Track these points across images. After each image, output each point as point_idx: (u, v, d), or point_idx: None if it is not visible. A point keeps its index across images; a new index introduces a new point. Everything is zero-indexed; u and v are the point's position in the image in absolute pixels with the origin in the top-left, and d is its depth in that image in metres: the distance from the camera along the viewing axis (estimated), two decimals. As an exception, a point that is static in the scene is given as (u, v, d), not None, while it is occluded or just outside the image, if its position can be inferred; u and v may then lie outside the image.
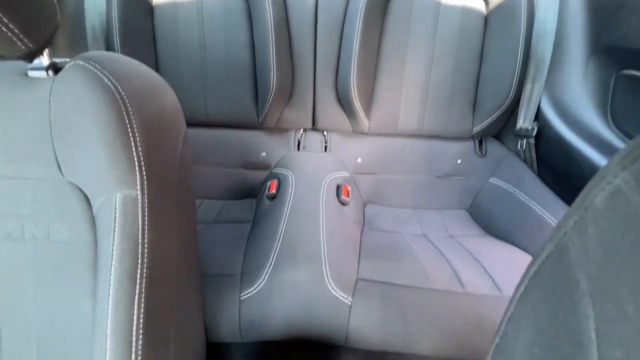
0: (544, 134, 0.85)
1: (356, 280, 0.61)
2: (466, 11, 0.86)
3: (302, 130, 0.99)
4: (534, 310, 0.18)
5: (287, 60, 0.89)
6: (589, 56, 0.77)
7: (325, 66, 0.90)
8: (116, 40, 0.81)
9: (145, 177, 0.36)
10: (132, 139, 0.36)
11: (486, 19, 0.87)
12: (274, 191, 0.82)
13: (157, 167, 0.38)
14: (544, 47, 0.83)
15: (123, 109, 0.36)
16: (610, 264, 0.13)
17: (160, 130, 0.40)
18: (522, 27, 0.82)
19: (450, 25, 0.87)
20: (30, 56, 0.36)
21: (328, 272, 0.58)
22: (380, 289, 0.59)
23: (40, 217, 0.40)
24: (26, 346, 0.41)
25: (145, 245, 0.36)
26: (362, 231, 0.83)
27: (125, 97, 0.36)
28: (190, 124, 0.91)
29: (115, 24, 0.81)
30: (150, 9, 0.87)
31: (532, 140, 0.87)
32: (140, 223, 0.36)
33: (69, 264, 0.39)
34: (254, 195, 0.95)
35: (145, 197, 0.36)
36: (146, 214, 0.36)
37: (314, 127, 0.99)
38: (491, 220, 0.89)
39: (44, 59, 0.38)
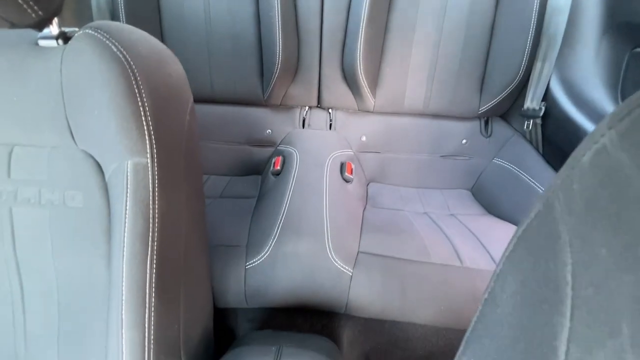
0: (551, 115, 0.84)
1: (357, 253, 0.63)
2: None
3: (307, 107, 0.99)
4: (520, 264, 0.19)
5: (293, 36, 0.87)
6: (603, 33, 0.75)
7: (331, 42, 0.89)
8: (121, 12, 0.81)
9: (154, 145, 0.38)
10: (141, 107, 0.37)
11: (499, -6, 0.85)
12: (278, 167, 0.83)
13: (166, 136, 0.39)
14: (557, 23, 0.80)
15: (132, 77, 0.36)
16: (589, 216, 0.14)
17: (168, 99, 0.41)
18: (536, 1, 0.79)
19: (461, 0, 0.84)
20: (40, 24, 0.37)
21: (330, 244, 0.60)
22: (381, 262, 0.61)
23: (56, 183, 0.41)
24: (48, 306, 0.44)
25: (156, 210, 0.37)
26: (365, 208, 0.85)
27: (133, 66, 0.37)
28: (196, 100, 0.91)
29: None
30: (155, -18, 0.86)
31: (538, 121, 0.87)
32: (150, 189, 0.37)
33: (84, 229, 0.42)
34: (259, 172, 0.97)
35: (155, 164, 0.38)
36: (156, 180, 0.38)
37: (319, 104, 0.98)
38: (493, 201, 0.90)
39: (53, 28, 0.39)
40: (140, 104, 0.37)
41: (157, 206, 0.38)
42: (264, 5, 0.83)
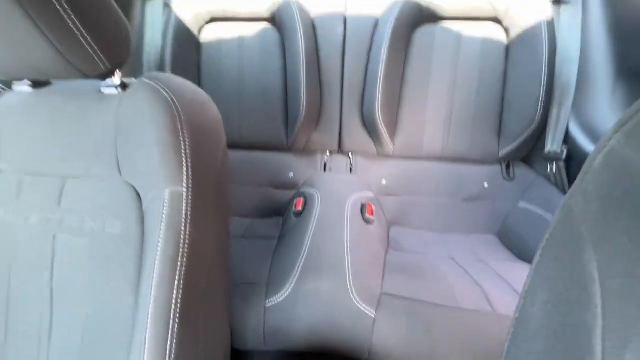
0: (574, 157, 0.84)
1: (380, 295, 0.60)
2: (487, 41, 0.90)
3: (328, 152, 1.04)
4: (547, 273, 0.19)
5: (316, 87, 0.95)
6: (616, 78, 0.77)
7: (351, 92, 0.96)
8: (167, 67, 0.92)
9: (190, 176, 0.41)
10: (182, 142, 0.41)
11: (507, 48, 0.91)
12: (300, 208, 0.85)
13: (201, 168, 0.43)
14: (569, 71, 0.84)
15: (177, 117, 0.41)
16: (606, 211, 0.15)
17: (204, 137, 0.45)
18: (544, 54, 0.84)
19: (472, 54, 0.91)
20: (106, 75, 0.44)
21: (352, 284, 0.59)
22: (406, 305, 0.58)
23: (99, 212, 0.45)
24: (72, 336, 0.45)
25: (187, 236, 0.39)
26: (387, 251, 0.83)
27: (179, 108, 0.42)
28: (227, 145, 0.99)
29: (168, 58, 0.93)
30: (199, 46, 0.99)
31: (562, 164, 0.86)
32: (184, 215, 0.40)
33: (118, 255, 0.44)
34: (281, 214, 0.99)
35: (190, 193, 0.41)
36: (189, 208, 0.40)
37: (340, 149, 1.03)
38: (522, 245, 0.85)
39: (116, 79, 0.45)
40: (181, 139, 0.41)
41: (188, 232, 0.40)
42: (291, 61, 0.92)
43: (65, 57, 0.38)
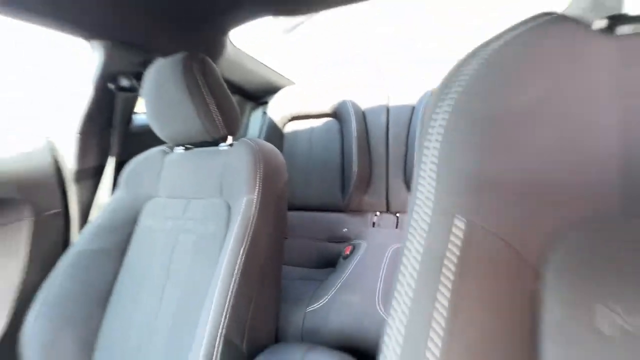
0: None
1: None
2: None
3: (378, 212, 1.19)
4: None
5: (366, 160, 1.20)
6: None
7: (395, 162, 1.17)
8: None
9: (260, 191, 0.65)
10: (258, 171, 0.67)
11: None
12: (348, 253, 0.99)
13: (267, 188, 0.67)
14: None
15: (257, 157, 0.68)
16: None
17: (272, 170, 0.70)
18: None
19: None
20: (223, 139, 0.76)
21: (380, 298, 0.68)
22: None
23: (204, 219, 0.71)
24: (175, 296, 0.66)
25: (252, 226, 0.61)
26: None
27: (259, 152, 0.69)
28: (295, 207, 1.25)
29: None
30: (282, 137, 1.38)
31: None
32: (252, 213, 0.62)
33: (209, 247, 0.67)
34: (334, 264, 1.12)
35: (258, 200, 0.64)
36: (257, 209, 0.63)
37: (388, 209, 1.18)
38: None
39: (228, 141, 0.77)
40: (258, 169, 0.67)
41: (253, 223, 0.61)
42: (347, 143, 1.21)
43: (205, 127, 0.71)
